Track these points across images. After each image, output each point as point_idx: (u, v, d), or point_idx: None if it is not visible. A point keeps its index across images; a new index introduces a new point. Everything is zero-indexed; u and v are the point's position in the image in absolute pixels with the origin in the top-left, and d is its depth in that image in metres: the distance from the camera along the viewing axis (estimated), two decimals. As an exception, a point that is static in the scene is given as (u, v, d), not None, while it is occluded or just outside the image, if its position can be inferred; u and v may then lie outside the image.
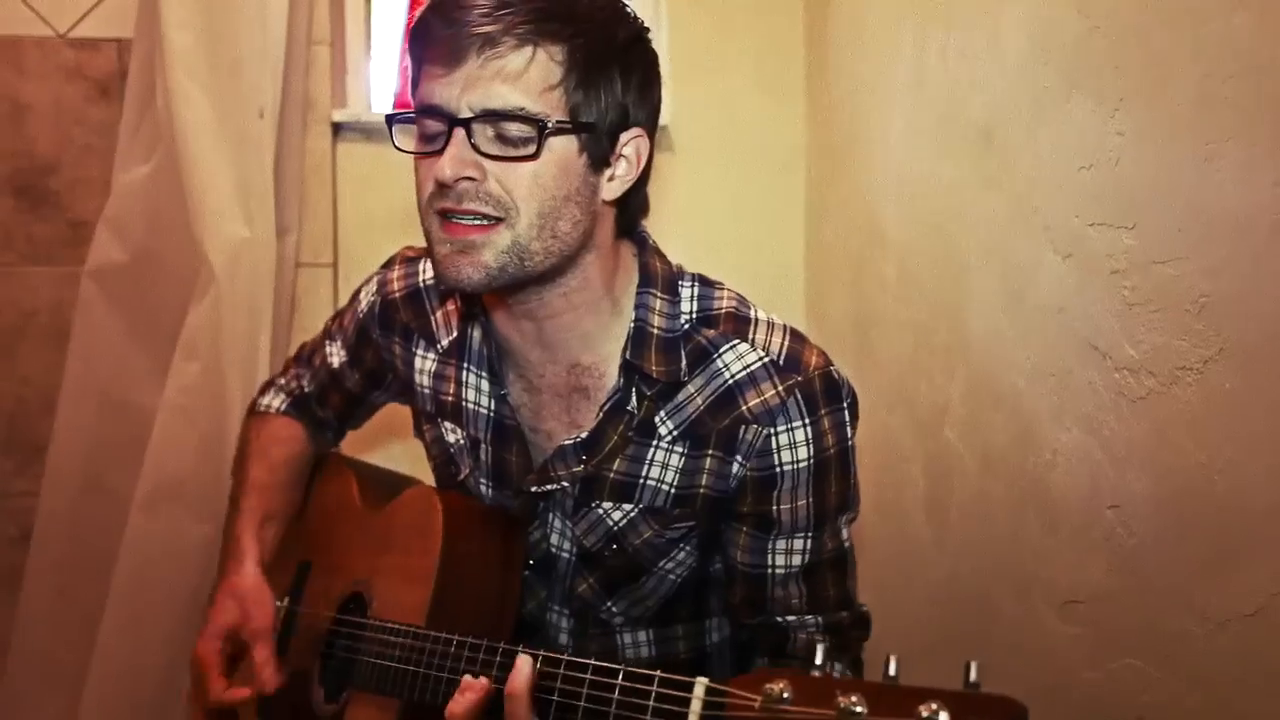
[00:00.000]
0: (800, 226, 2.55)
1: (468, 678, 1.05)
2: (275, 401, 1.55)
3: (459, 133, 1.07)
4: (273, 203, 2.07)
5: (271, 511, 1.46)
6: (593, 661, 0.94)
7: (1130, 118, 1.41)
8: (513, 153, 1.07)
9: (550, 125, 1.07)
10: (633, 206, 1.22)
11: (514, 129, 1.07)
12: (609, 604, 1.31)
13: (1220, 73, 1.25)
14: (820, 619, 1.23)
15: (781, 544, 1.22)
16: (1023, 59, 1.64)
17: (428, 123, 1.10)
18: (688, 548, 1.26)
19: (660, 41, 2.51)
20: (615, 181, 1.16)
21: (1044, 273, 1.59)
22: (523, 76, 1.05)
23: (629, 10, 1.15)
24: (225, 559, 1.43)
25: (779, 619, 1.23)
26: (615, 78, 1.11)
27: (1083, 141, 1.50)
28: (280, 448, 1.51)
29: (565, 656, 1.00)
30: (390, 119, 1.18)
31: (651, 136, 1.18)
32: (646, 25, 1.17)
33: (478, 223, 1.09)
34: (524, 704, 0.96)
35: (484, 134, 1.07)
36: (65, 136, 2.31)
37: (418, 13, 1.14)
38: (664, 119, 2.45)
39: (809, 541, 1.22)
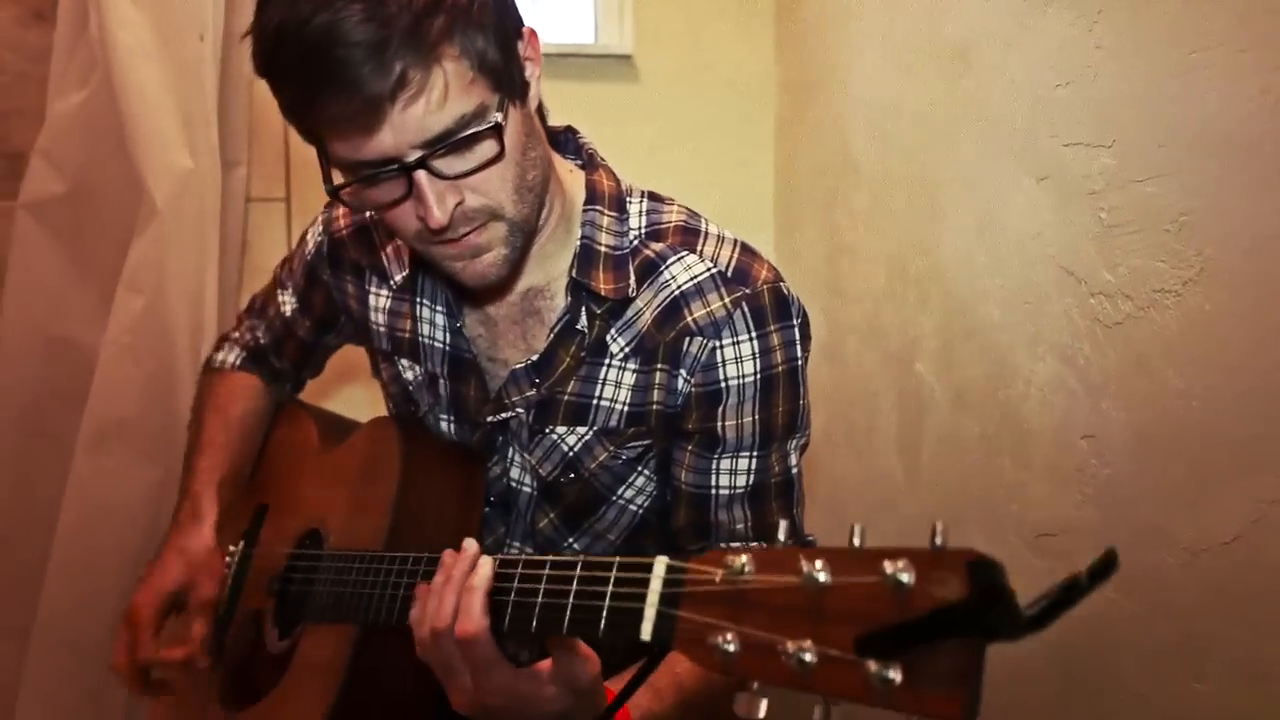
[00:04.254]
0: (770, 158, 2.49)
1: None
2: (230, 357, 1.52)
3: (420, 175, 0.99)
4: (216, 132, 1.98)
5: (229, 472, 1.42)
6: (551, 557, 0.89)
7: (1111, 29, 1.35)
8: (481, 160, 1.01)
9: (498, 120, 0.99)
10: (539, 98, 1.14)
11: (469, 138, 0.99)
12: (570, 540, 1.27)
13: (1206, -25, 1.19)
14: (766, 546, 1.19)
15: (726, 463, 1.18)
16: (999, -28, 1.58)
17: (373, 173, 1.01)
18: (646, 472, 1.22)
19: (624, -34, 2.44)
20: (531, 84, 1.09)
21: (1019, 197, 1.55)
22: (448, 92, 0.96)
23: None
24: (181, 514, 1.39)
25: (723, 545, 1.18)
26: (495, 18, 1.01)
27: (1061, 57, 1.44)
28: (237, 404, 1.47)
29: (523, 557, 0.96)
30: (334, 193, 1.06)
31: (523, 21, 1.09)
32: None
33: (473, 228, 1.05)
34: (480, 597, 0.90)
35: (445, 160, 0.99)
36: (-2, 64, 2.21)
37: (275, 88, 0.99)
38: (628, 48, 2.42)
39: (754, 461, 1.17)
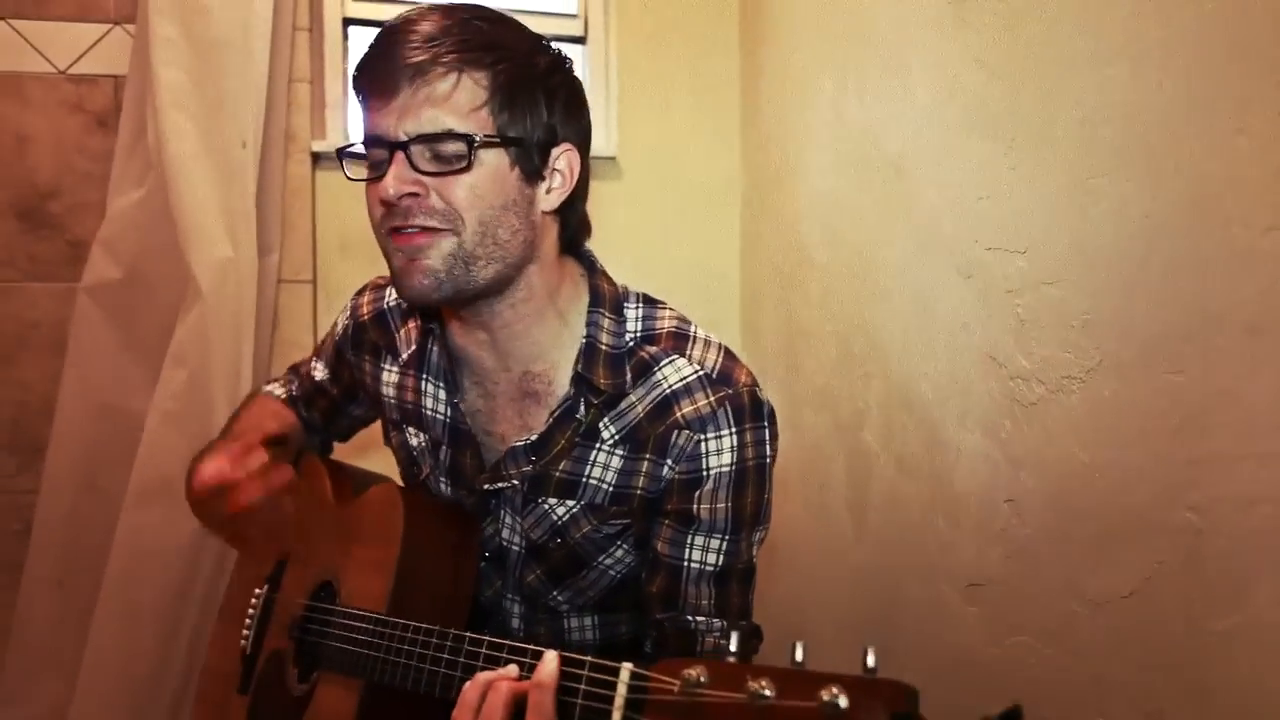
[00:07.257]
0: (735, 249, 2.55)
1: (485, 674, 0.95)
2: (279, 391, 1.54)
3: (399, 155, 1.06)
4: (254, 225, 2.03)
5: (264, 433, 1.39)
6: (531, 645, 0.90)
7: (1022, 154, 1.41)
8: (448, 168, 1.06)
9: (478, 139, 1.05)
10: (573, 222, 1.19)
11: (446, 147, 1.05)
12: (555, 593, 1.28)
13: (1097, 116, 1.26)
14: (725, 624, 1.21)
15: (700, 540, 1.19)
16: (929, 102, 1.65)
17: (374, 151, 1.09)
18: (625, 546, 1.24)
19: (609, 83, 2.51)
20: (552, 194, 1.14)
21: (948, 292, 1.60)
22: (450, 99, 1.04)
23: (549, 43, 1.15)
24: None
25: (689, 618, 1.20)
26: (539, 99, 1.09)
27: (981, 175, 1.50)
28: (274, 415, 1.49)
29: (509, 641, 0.96)
30: (340, 152, 1.16)
31: (583, 152, 1.16)
32: (567, 56, 1.16)
33: (424, 229, 1.08)
34: (551, 694, 0.86)
35: (421, 155, 1.06)
36: (65, 164, 2.25)
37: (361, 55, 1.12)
38: (611, 152, 2.48)
39: (725, 543, 1.19)
